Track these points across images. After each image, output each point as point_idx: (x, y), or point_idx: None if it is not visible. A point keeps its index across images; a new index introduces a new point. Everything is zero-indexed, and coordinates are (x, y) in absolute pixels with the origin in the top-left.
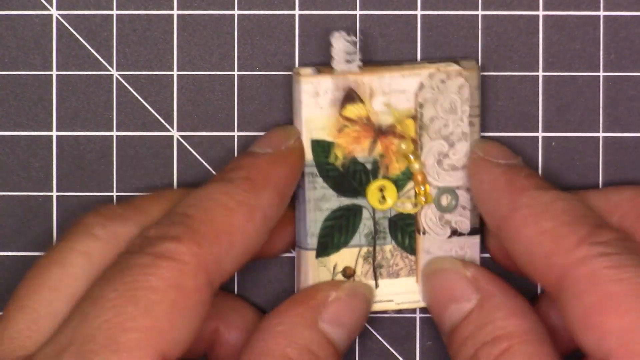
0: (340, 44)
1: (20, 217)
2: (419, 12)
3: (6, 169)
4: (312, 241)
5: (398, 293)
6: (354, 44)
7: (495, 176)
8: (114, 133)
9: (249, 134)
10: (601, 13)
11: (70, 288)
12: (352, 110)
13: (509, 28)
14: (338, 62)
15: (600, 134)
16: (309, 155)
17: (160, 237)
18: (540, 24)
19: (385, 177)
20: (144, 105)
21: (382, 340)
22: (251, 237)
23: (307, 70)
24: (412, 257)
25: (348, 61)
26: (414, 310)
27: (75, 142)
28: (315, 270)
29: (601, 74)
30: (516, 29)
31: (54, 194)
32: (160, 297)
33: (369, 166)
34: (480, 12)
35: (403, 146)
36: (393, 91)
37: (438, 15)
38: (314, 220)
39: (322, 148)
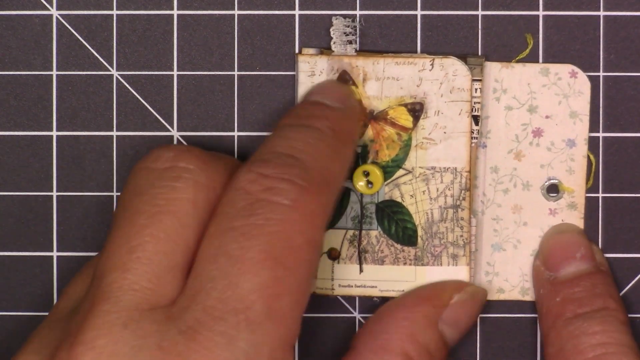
0: (339, 25)
1: (20, 217)
2: (419, 12)
3: (6, 169)
4: None
5: (382, 280)
6: (354, 28)
7: (542, 291)
8: (114, 133)
9: (249, 134)
10: (601, 13)
11: (185, 239)
12: None
13: (509, 28)
14: (335, 43)
15: (600, 134)
16: None
17: (280, 178)
18: (540, 24)
19: (374, 162)
20: (144, 105)
21: None
22: (341, 185)
23: (310, 51)
24: (398, 246)
25: (346, 43)
26: None
27: (75, 142)
28: None
29: (601, 74)
30: (516, 29)
31: (54, 194)
32: (301, 254)
33: (359, 150)
34: (480, 12)
35: (395, 138)
36: (386, 77)
37: (438, 15)
38: None
39: None
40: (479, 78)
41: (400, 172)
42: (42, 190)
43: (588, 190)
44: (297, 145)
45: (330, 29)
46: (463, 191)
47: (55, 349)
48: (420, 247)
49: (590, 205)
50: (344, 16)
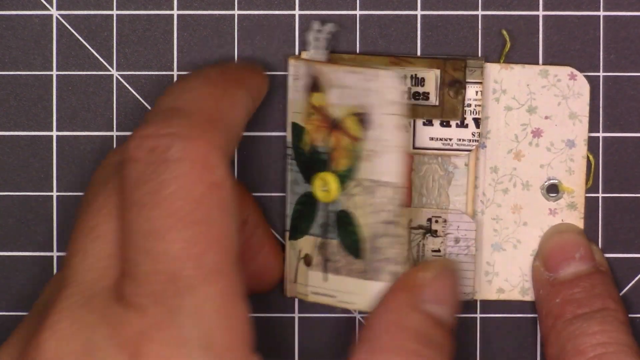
0: (312, 29)
1: (20, 217)
2: (419, 12)
3: (6, 169)
4: (288, 223)
5: (339, 290)
6: (329, 33)
7: (541, 292)
8: (114, 133)
9: (249, 134)
10: (601, 13)
11: None
12: (317, 99)
13: (509, 28)
14: (308, 47)
15: (600, 134)
16: (289, 136)
17: (163, 134)
18: (540, 24)
19: (335, 170)
20: (144, 105)
21: None
22: (237, 125)
23: (304, 54)
24: (351, 257)
25: (317, 48)
26: None
27: (75, 142)
28: (288, 252)
29: (601, 74)
30: (516, 29)
31: (54, 194)
32: (208, 201)
33: (324, 157)
34: (480, 12)
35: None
36: (345, 86)
37: (438, 15)
38: (289, 202)
39: (297, 131)
40: (479, 81)
41: (353, 182)
42: (42, 190)
43: (588, 190)
44: (181, 95)
45: (306, 33)
46: (398, 207)
47: (28, 340)
48: (366, 260)
49: (590, 205)
50: (322, 21)
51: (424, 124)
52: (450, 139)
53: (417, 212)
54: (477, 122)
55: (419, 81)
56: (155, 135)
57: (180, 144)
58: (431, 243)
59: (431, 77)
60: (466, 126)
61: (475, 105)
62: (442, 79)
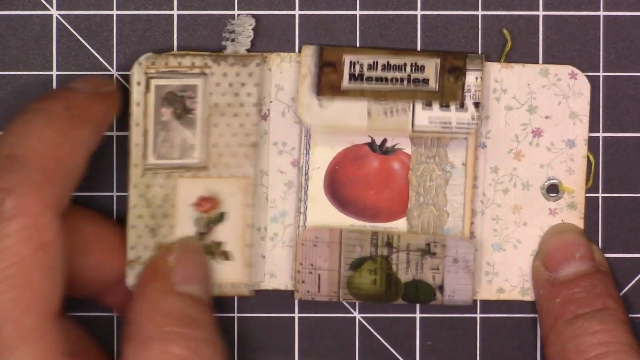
0: (228, 24)
1: None
2: (419, 12)
3: None
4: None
5: None
6: (244, 27)
7: (542, 292)
8: (114, 133)
9: None
10: (601, 13)
11: None
12: None
13: (509, 28)
14: (226, 44)
15: (600, 134)
16: None
17: None
18: (540, 24)
19: None
20: None
21: (382, 340)
22: (77, 169)
23: (309, 50)
24: None
25: (228, 41)
26: (414, 310)
27: None
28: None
29: (601, 74)
30: (516, 29)
31: None
32: (33, 262)
33: None
34: (480, 12)
35: None
36: None
37: (438, 15)
38: None
39: None
40: (479, 68)
41: None
42: None
43: (588, 190)
44: (20, 140)
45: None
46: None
47: None
48: None
49: (590, 205)
50: (234, 16)
51: (424, 107)
52: (450, 122)
53: (416, 237)
54: (476, 105)
55: (419, 68)
56: None
57: (14, 200)
58: (430, 263)
59: (431, 65)
60: (466, 110)
61: (475, 90)
62: (442, 66)
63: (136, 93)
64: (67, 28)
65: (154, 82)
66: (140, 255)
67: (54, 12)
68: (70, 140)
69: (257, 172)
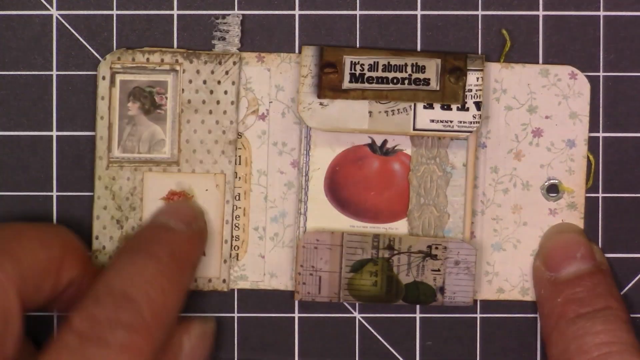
0: (218, 23)
1: (20, 217)
2: (419, 12)
3: (6, 169)
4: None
5: None
6: (233, 26)
7: (543, 292)
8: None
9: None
10: (601, 13)
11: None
12: None
13: (509, 28)
14: (215, 42)
15: (600, 134)
16: None
17: (112, 323)
18: (541, 24)
19: None
20: None
21: (382, 340)
22: (176, 314)
23: (309, 50)
24: None
25: (218, 40)
26: (414, 310)
27: (75, 142)
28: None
29: (601, 74)
30: (516, 29)
31: (54, 194)
32: None
33: None
34: (480, 12)
35: None
36: None
37: (438, 15)
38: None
39: None
40: (480, 68)
41: None
42: (42, 190)
43: (588, 190)
44: (133, 281)
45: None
46: None
47: None
48: None
49: (590, 205)
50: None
51: (425, 107)
52: (451, 121)
53: (417, 240)
54: (478, 105)
55: (420, 68)
56: (105, 321)
57: (127, 338)
58: (431, 265)
59: (432, 65)
60: (467, 109)
61: (476, 90)
62: (443, 67)
63: (101, 87)
64: (67, 28)
65: (119, 77)
66: (105, 245)
67: (54, 12)
68: (176, 288)
69: (234, 169)
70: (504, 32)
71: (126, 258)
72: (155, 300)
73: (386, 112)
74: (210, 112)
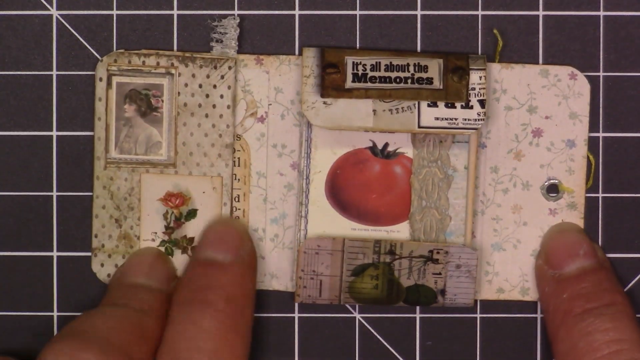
0: (216, 25)
1: (20, 217)
2: (419, 12)
3: (6, 169)
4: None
5: None
6: (231, 28)
7: (547, 289)
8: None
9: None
10: (601, 13)
11: None
12: None
13: (509, 28)
14: (214, 45)
15: (600, 134)
16: None
17: None
18: (540, 24)
19: None
20: None
21: (382, 340)
22: (244, 354)
23: (309, 51)
24: None
25: (216, 42)
26: (414, 310)
27: (75, 142)
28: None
29: (601, 74)
30: (516, 29)
31: (54, 194)
32: None
33: None
34: (480, 12)
35: None
36: None
37: (438, 15)
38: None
39: None
40: (483, 67)
41: None
42: (42, 190)
43: (588, 190)
44: (198, 347)
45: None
46: None
47: None
48: None
49: (590, 205)
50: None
51: (429, 105)
52: (456, 119)
53: (418, 245)
54: (482, 103)
55: (422, 68)
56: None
57: None
58: (432, 268)
59: (434, 65)
60: (471, 107)
61: (480, 89)
62: (446, 67)
63: (98, 88)
64: (67, 28)
65: (115, 79)
66: (104, 243)
67: (54, 12)
68: (239, 333)
69: (231, 172)
70: (496, 31)
71: (184, 315)
72: (222, 355)
73: (390, 110)
74: (207, 115)
